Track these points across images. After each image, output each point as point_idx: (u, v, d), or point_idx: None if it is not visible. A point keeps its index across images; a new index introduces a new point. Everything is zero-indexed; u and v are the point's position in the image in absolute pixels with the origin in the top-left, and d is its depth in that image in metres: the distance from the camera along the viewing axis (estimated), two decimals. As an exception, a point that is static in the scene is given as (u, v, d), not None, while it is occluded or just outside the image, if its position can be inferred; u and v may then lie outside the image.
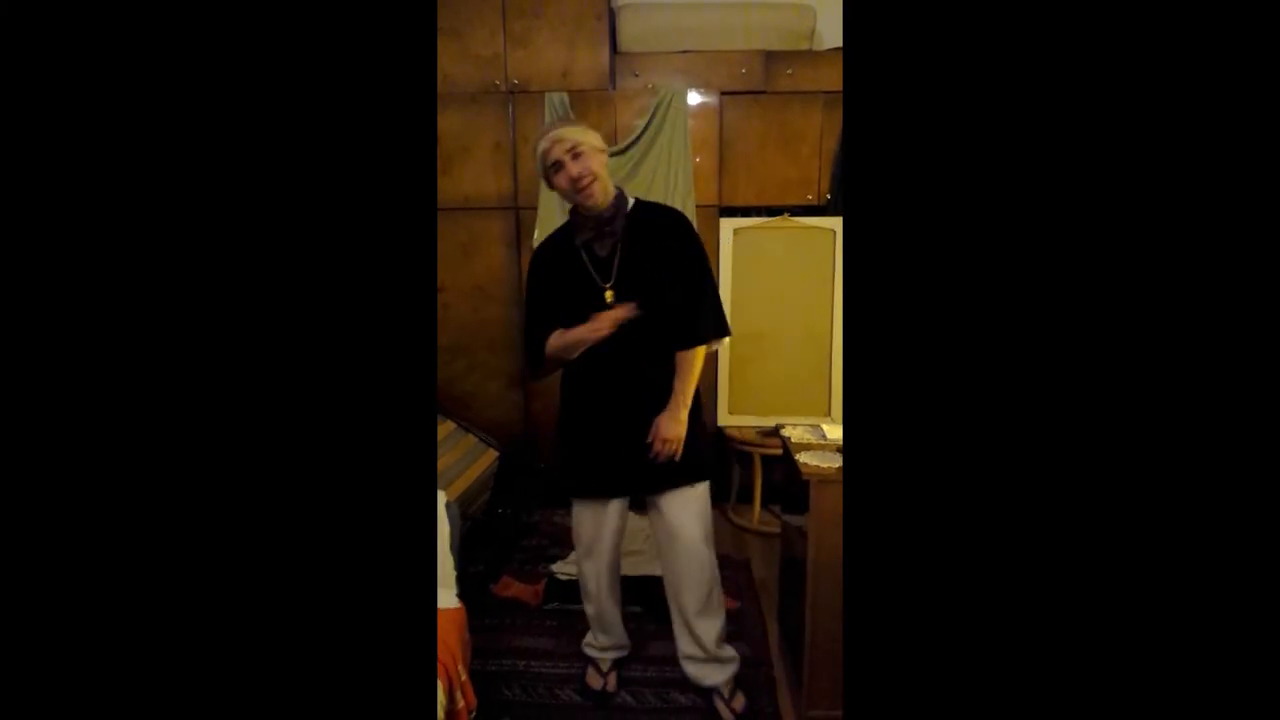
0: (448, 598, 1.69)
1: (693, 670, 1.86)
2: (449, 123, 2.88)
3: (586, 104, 2.86)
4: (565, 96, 2.84)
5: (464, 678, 1.60)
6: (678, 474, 1.74)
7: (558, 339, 1.71)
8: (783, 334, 2.98)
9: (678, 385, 1.70)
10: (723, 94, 2.86)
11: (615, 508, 1.83)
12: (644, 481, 1.76)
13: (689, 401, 1.71)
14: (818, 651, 1.76)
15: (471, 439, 2.87)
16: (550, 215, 2.91)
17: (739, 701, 1.85)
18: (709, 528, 1.79)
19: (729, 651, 1.86)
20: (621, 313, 1.63)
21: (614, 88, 2.90)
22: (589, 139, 1.66)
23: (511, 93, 2.89)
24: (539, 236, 2.92)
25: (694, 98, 2.85)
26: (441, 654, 1.52)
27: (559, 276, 1.75)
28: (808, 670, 1.78)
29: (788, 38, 2.93)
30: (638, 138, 2.83)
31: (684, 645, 1.85)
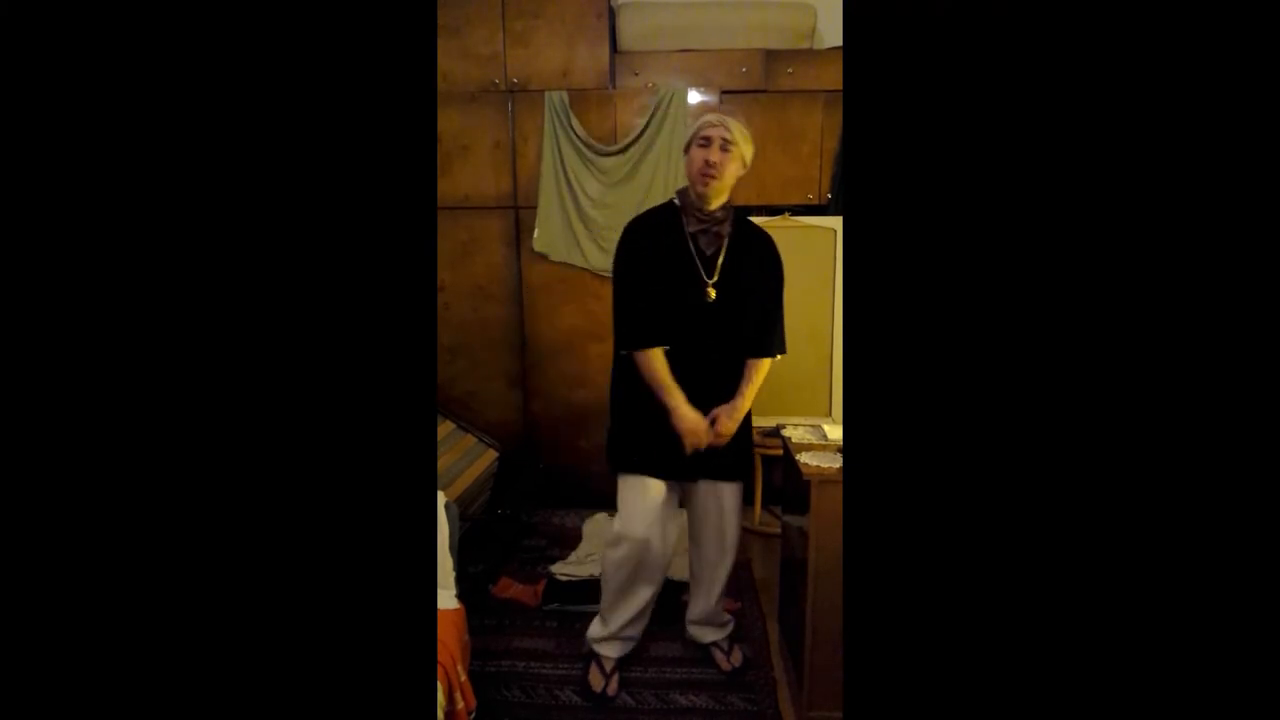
0: (447, 598, 1.69)
1: (695, 631, 2.10)
2: (448, 122, 2.88)
3: (586, 103, 2.86)
4: (565, 95, 2.83)
5: (463, 679, 1.60)
6: (728, 468, 1.90)
7: (659, 373, 1.75)
8: (783, 333, 2.98)
9: (744, 388, 1.82)
10: (723, 93, 2.85)
11: (673, 499, 1.89)
12: (705, 469, 1.86)
13: (749, 405, 1.84)
14: (818, 653, 1.76)
15: (471, 439, 2.87)
16: (550, 214, 2.91)
17: (736, 656, 2.06)
18: (740, 512, 2.00)
19: (726, 615, 2.11)
20: (703, 441, 1.77)
21: (614, 87, 2.89)
22: (744, 148, 1.73)
23: (511, 92, 2.88)
24: (539, 235, 2.92)
25: (694, 97, 2.85)
26: (441, 655, 1.51)
27: (663, 254, 1.79)
28: (808, 671, 1.78)
29: (788, 36, 2.92)
30: (638, 137, 2.83)
31: (694, 609, 2.07)
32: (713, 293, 1.77)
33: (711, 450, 1.80)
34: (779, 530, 2.63)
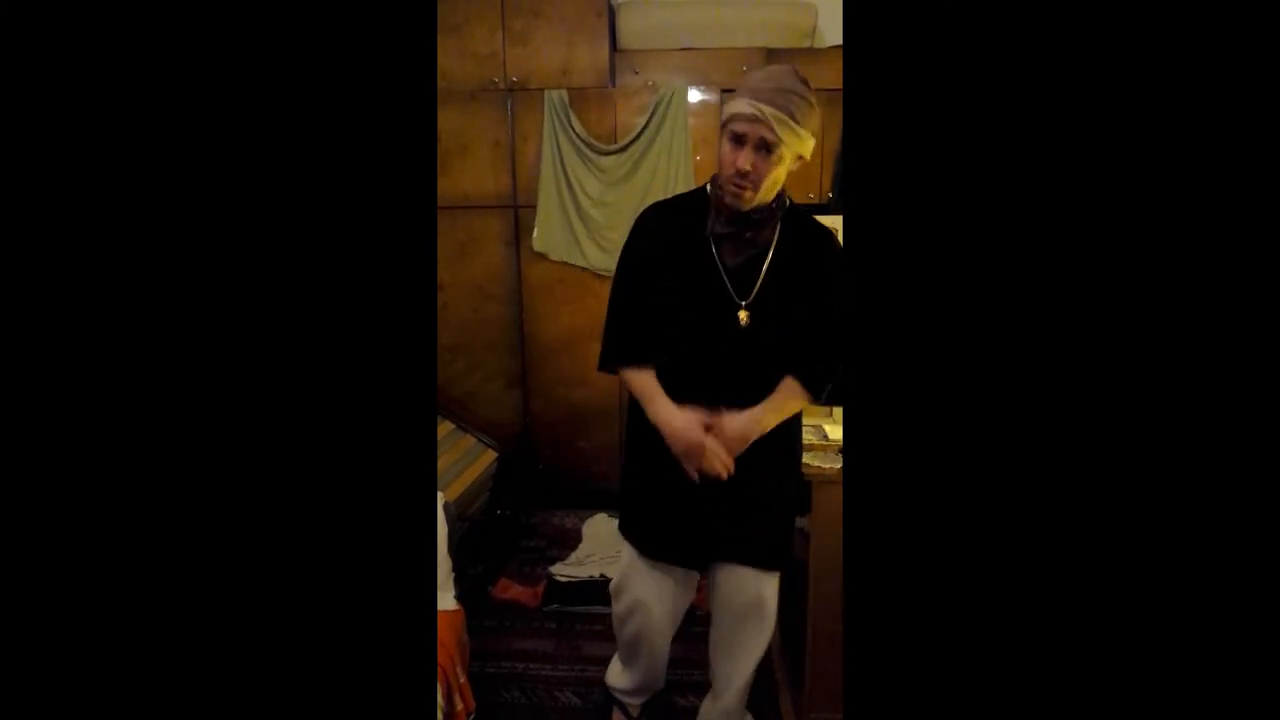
0: (446, 599, 1.68)
1: None
2: (448, 121, 2.87)
3: (586, 101, 2.85)
4: (565, 94, 2.82)
5: (462, 680, 1.60)
6: (757, 549, 1.51)
7: (644, 385, 1.41)
8: (784, 333, 2.97)
9: (769, 400, 1.40)
10: (723, 91, 2.84)
11: (681, 577, 1.59)
12: (723, 548, 1.51)
13: (769, 423, 1.40)
14: (819, 654, 1.76)
15: (470, 439, 2.87)
16: (550, 213, 2.90)
17: None
18: (776, 603, 1.61)
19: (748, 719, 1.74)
20: (720, 468, 1.35)
21: (614, 85, 2.89)
22: (796, 144, 1.29)
23: (511, 90, 2.88)
24: (538, 235, 2.92)
25: (694, 95, 2.84)
26: (440, 656, 1.51)
27: (676, 264, 1.41)
28: (809, 672, 1.77)
29: (789, 35, 2.92)
30: (638, 135, 2.82)
31: (709, 708, 1.72)
32: (745, 317, 1.38)
33: (735, 525, 1.45)
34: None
